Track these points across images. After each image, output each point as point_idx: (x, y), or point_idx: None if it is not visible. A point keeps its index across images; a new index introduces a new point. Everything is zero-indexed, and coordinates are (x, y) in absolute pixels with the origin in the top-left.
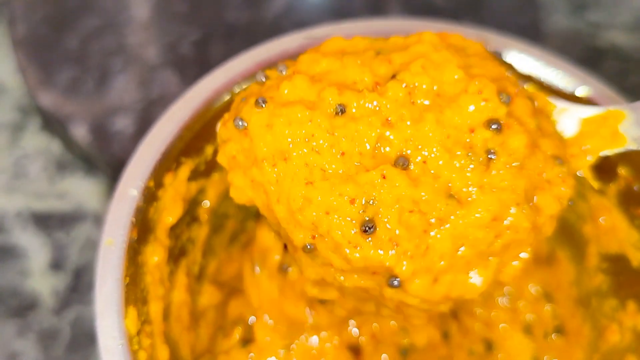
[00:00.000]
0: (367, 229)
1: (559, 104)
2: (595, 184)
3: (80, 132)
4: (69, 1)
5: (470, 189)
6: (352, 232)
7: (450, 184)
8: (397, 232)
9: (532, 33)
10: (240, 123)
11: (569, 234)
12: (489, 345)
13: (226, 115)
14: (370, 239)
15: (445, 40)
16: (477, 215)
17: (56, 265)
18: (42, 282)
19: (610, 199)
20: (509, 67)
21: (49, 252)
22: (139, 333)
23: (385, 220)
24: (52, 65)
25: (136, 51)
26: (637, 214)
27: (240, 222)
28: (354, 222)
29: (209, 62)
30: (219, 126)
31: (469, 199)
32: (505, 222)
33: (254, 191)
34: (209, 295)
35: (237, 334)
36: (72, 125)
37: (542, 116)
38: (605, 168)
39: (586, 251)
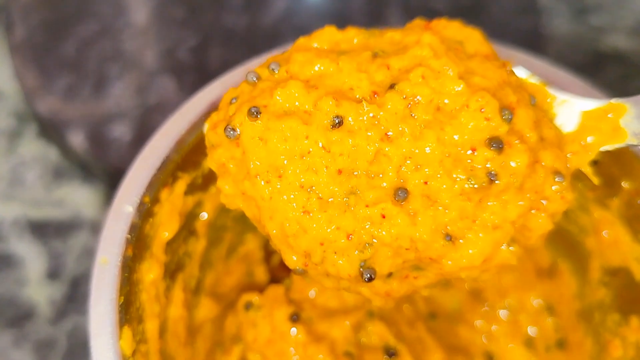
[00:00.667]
0: (367, 279)
1: (560, 96)
2: (595, 180)
3: (77, 139)
4: (66, 7)
5: (466, 225)
6: (348, 274)
7: (447, 219)
8: (390, 274)
9: (534, 37)
10: (231, 133)
11: (571, 246)
12: (490, 359)
13: (214, 116)
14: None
15: (441, 33)
16: (468, 258)
17: (53, 274)
18: (38, 292)
19: (613, 212)
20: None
21: (46, 261)
22: (134, 354)
23: (382, 259)
24: (49, 71)
25: (134, 57)
26: None
27: (238, 235)
28: (350, 260)
29: (207, 67)
30: (206, 127)
31: (461, 241)
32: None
33: (245, 203)
34: (206, 309)
35: (236, 351)
36: (68, 132)
37: (543, 122)
38: (608, 182)
39: (589, 264)
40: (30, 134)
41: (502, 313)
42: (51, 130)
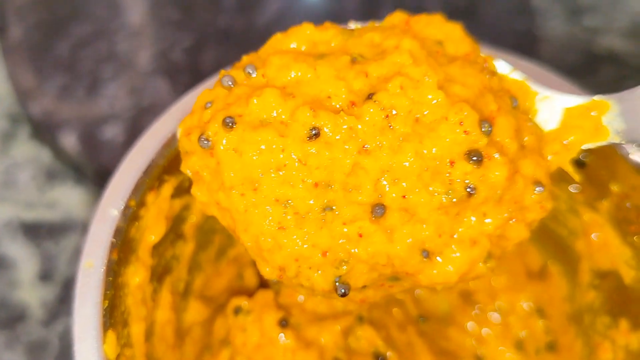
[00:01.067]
0: (341, 294)
1: (542, 92)
2: (576, 177)
3: (69, 140)
4: (60, 8)
5: (443, 240)
6: (322, 288)
7: (424, 235)
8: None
9: (528, 39)
10: (205, 143)
11: (561, 249)
12: None
13: (187, 120)
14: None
15: (421, 33)
16: (445, 275)
17: (45, 276)
18: (31, 293)
19: (602, 215)
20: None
21: (38, 262)
22: (118, 357)
23: (357, 275)
24: (42, 72)
25: (127, 58)
26: (629, 230)
27: (227, 237)
28: (325, 276)
29: (201, 69)
30: (179, 132)
31: (439, 258)
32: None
33: (220, 212)
34: (195, 312)
35: (225, 355)
36: (61, 133)
37: (524, 127)
38: (597, 184)
39: (579, 267)
40: (23, 135)
41: (493, 315)
42: (44, 131)
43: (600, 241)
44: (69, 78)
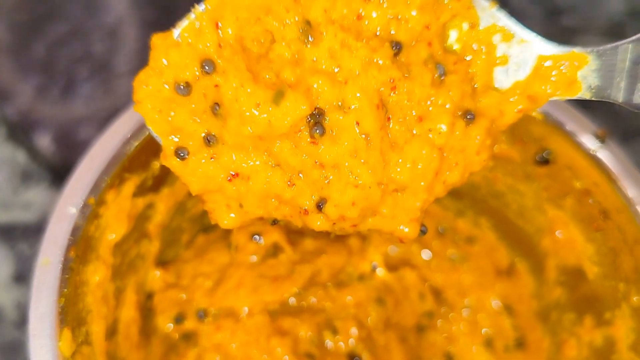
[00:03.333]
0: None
1: (520, 34)
2: (539, 116)
3: (44, 141)
4: (37, 8)
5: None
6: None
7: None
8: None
9: None
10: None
11: (528, 247)
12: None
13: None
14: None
15: None
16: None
17: (19, 277)
18: (4, 295)
19: (566, 212)
20: None
21: (12, 264)
22: (73, 355)
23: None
24: (17, 73)
25: (103, 58)
26: (593, 227)
27: (194, 236)
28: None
29: None
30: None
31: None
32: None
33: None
34: None
35: (191, 355)
36: (36, 134)
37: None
38: (560, 182)
39: (545, 264)
40: None
41: (462, 313)
42: (19, 132)
43: (564, 238)
44: (45, 78)
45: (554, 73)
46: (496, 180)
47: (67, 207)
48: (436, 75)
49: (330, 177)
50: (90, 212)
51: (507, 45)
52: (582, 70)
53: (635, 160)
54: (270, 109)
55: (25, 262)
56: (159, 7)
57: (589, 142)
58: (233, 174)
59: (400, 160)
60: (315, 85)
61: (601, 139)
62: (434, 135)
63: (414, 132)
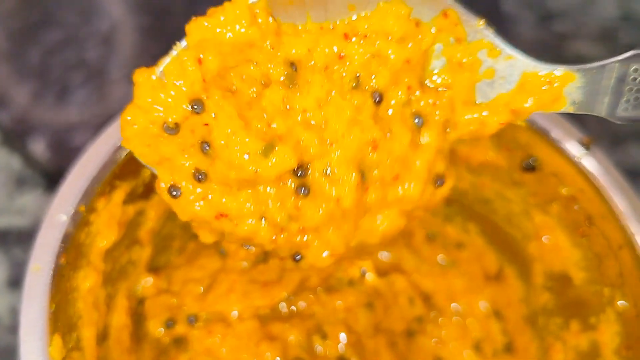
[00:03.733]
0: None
1: (507, 51)
2: (523, 124)
3: (39, 147)
4: (32, 14)
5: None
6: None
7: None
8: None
9: None
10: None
11: (515, 252)
12: None
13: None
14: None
15: None
16: None
17: (14, 282)
18: None
19: (553, 217)
20: None
21: (7, 269)
22: None
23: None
24: (12, 79)
25: (98, 65)
26: (578, 232)
27: (186, 242)
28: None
29: None
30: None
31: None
32: None
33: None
34: None
35: (182, 359)
36: (31, 140)
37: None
38: (547, 188)
39: (532, 269)
40: None
41: (452, 318)
42: (14, 138)
43: (551, 243)
44: (40, 85)
45: (539, 89)
46: (484, 186)
47: (57, 214)
48: (415, 121)
49: (307, 238)
50: (81, 220)
51: (493, 61)
52: (567, 87)
53: (625, 164)
54: (258, 159)
55: (20, 267)
56: (153, 14)
57: (574, 149)
58: (221, 214)
59: (371, 226)
60: (303, 138)
61: (586, 146)
62: (405, 200)
63: (387, 198)
